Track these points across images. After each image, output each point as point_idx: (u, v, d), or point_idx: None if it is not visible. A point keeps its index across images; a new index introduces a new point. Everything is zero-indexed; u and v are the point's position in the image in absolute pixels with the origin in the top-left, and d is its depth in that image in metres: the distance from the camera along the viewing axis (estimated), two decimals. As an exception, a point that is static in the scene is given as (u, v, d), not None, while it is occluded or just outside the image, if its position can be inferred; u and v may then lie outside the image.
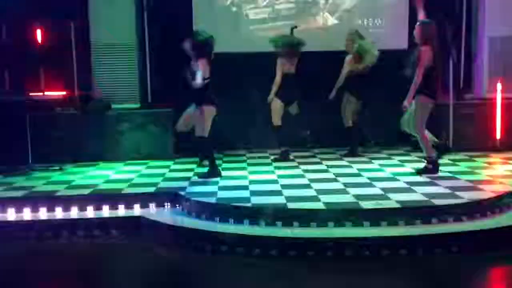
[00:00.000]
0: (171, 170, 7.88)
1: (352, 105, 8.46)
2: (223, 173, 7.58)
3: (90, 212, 6.42)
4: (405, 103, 6.90)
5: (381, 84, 8.44)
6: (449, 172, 7.43)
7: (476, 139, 8.75)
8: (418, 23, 7.01)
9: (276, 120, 8.30)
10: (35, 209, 6.43)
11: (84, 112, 8.60)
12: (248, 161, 8.53)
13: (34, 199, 6.57)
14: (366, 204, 5.83)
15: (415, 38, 6.98)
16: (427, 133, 7.09)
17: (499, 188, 6.46)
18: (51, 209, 6.44)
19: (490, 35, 8.83)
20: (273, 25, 9.34)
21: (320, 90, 9.20)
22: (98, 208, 6.47)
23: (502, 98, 8.68)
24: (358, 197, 6.12)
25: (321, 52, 8.92)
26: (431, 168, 7.16)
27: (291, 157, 8.44)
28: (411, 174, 7.23)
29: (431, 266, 5.14)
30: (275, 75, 8.21)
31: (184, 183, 6.99)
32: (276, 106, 8.27)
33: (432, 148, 7.15)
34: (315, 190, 6.50)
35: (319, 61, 8.79)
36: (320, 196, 6.19)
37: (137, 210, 6.43)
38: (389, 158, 8.41)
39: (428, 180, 6.92)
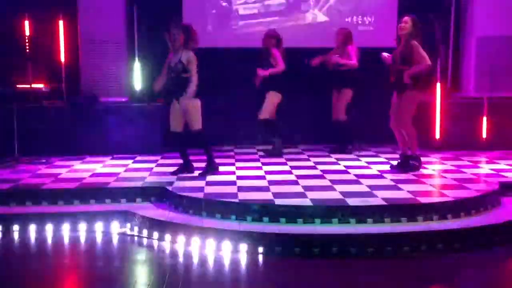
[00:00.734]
0: (158, 165, 7.86)
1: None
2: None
3: (76, 206, 6.39)
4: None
5: (370, 82, 8.48)
6: (435, 170, 7.49)
7: (463, 138, 8.81)
8: (408, 17, 6.95)
9: (269, 113, 8.29)
10: (20, 202, 6.39)
11: (72, 105, 8.56)
12: (236, 156, 8.54)
13: (19, 192, 6.53)
14: (352, 201, 5.86)
15: (404, 33, 6.92)
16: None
17: (484, 187, 6.51)
18: (36, 203, 6.41)
19: (479, 35, 8.89)
20: (263, 20, 9.35)
21: (308, 86, 9.24)
22: (84, 202, 6.44)
23: (489, 97, 8.74)
24: (345, 194, 6.15)
25: (310, 48, 8.93)
26: (417, 165, 7.22)
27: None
28: (397, 171, 7.26)
29: (416, 264, 5.18)
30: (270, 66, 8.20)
31: (172, 178, 6.98)
32: (276, 99, 8.26)
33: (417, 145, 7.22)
34: (302, 186, 6.52)
35: (307, 57, 8.80)
36: (307, 193, 6.21)
37: (123, 205, 6.42)
38: (376, 156, 8.45)
39: (414, 178, 6.97)
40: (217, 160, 8.15)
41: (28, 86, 8.35)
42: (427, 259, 5.23)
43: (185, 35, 6.84)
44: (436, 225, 5.62)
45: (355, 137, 8.72)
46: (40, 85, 8.50)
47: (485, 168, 7.63)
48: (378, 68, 7.77)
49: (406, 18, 6.94)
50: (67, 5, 8.68)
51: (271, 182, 6.74)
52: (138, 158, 8.36)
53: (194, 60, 6.82)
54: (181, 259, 5.34)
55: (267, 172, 7.33)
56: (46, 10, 8.64)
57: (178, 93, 6.89)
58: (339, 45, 8.46)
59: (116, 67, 8.77)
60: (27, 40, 8.32)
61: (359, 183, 6.70)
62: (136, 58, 9.00)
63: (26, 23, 8.31)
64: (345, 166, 7.69)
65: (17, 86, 8.32)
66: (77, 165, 7.93)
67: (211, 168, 7.15)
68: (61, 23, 8.60)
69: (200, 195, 6.18)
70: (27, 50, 8.33)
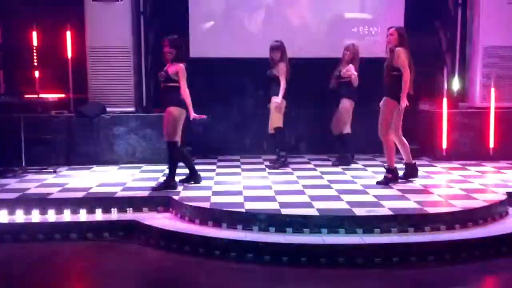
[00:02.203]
0: (165, 175, 7.85)
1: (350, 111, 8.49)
2: (217, 178, 7.60)
3: (83, 215, 6.40)
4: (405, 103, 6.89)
5: (375, 92, 8.46)
6: (443, 180, 7.47)
7: (469, 148, 8.79)
8: (393, 29, 6.99)
9: (280, 122, 8.29)
10: (28, 212, 6.41)
11: (79, 115, 8.60)
12: (242, 166, 8.54)
13: (27, 202, 6.55)
14: (359, 211, 5.85)
15: (391, 43, 6.94)
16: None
17: (491, 197, 6.49)
18: (44, 212, 6.42)
19: (485, 45, 8.88)
20: (269, 31, 9.35)
21: (313, 97, 9.25)
22: (91, 211, 6.46)
23: (496, 107, 8.73)
24: (352, 204, 6.14)
25: (315, 59, 8.94)
26: (390, 177, 7.13)
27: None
28: (405, 181, 7.24)
29: (424, 274, 5.16)
30: (274, 79, 8.20)
31: (178, 188, 6.98)
32: (283, 108, 8.27)
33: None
34: (309, 196, 6.51)
35: (313, 68, 8.81)
36: (314, 203, 6.20)
37: (130, 214, 6.42)
38: (383, 166, 8.41)
39: (421, 188, 6.95)
40: (224, 170, 8.19)
41: (36, 96, 8.39)
42: (435, 270, 5.21)
43: (177, 50, 6.89)
44: (443, 235, 5.59)
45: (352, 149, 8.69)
46: (48, 95, 8.54)
47: (492, 178, 7.60)
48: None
49: (392, 31, 7.00)
50: (74, 15, 8.73)
51: (278, 192, 6.73)
52: (145, 167, 8.38)
53: (182, 71, 6.83)
54: (186, 268, 5.34)
55: (273, 182, 7.32)
56: (53, 21, 8.71)
57: (165, 102, 6.96)
58: (348, 61, 8.44)
59: (123, 77, 8.79)
60: (35, 50, 8.38)
61: (366, 193, 6.69)
62: (143, 68, 9.05)
63: (34, 33, 8.36)
64: (351, 176, 7.68)
65: (25, 96, 8.37)
66: (84, 174, 7.95)
67: (167, 185, 6.95)
68: (68, 33, 8.66)
69: (206, 204, 6.19)
70: (35, 60, 8.38)
